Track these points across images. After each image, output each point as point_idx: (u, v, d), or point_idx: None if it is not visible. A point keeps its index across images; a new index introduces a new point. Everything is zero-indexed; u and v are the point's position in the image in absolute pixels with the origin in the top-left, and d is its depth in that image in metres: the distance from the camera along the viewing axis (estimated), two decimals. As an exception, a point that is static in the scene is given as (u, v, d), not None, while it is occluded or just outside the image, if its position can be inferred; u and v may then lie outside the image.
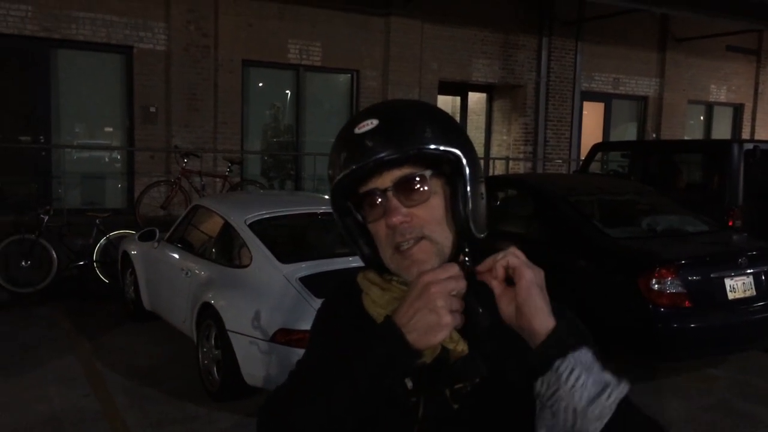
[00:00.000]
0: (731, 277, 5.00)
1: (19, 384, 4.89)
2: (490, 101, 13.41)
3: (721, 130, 15.89)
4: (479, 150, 12.77)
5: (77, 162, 9.66)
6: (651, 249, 5.14)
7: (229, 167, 9.45)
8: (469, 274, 0.97)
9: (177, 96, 9.66)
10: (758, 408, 4.84)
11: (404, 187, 1.02)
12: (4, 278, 7.31)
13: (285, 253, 4.74)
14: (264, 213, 5.20)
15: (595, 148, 9.60)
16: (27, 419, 4.33)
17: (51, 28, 8.94)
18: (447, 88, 12.42)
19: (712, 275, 4.97)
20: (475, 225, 1.04)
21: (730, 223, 7.01)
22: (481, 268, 0.96)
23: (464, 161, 1.02)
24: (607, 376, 0.88)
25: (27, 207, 8.25)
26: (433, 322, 0.90)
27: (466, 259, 1.01)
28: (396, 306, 0.96)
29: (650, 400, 4.82)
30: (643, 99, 14.45)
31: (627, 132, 14.62)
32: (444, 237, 1.04)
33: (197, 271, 5.19)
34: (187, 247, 5.63)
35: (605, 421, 0.86)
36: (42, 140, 9.22)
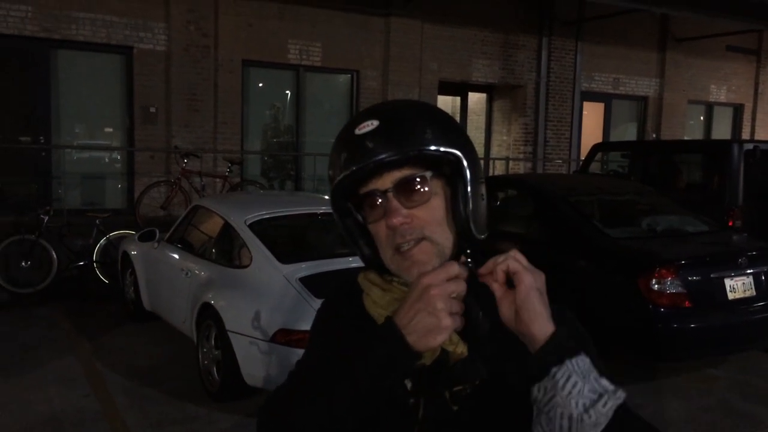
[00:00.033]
0: (731, 277, 5.00)
1: (19, 384, 4.89)
2: (490, 101, 13.41)
3: (721, 131, 15.89)
4: (479, 150, 12.76)
5: (77, 162, 9.66)
6: (651, 249, 5.14)
7: (229, 167, 9.45)
8: (471, 275, 0.97)
9: (177, 96, 9.66)
10: (758, 408, 4.84)
11: (405, 189, 1.02)
12: (4, 279, 7.31)
13: (285, 254, 4.74)
14: (264, 213, 5.20)
15: (595, 149, 9.60)
16: (27, 419, 4.33)
17: (51, 29, 8.94)
18: (447, 89, 12.42)
19: (712, 275, 4.97)
20: (475, 226, 1.04)
21: (730, 224, 7.01)
22: (482, 270, 0.96)
23: (465, 162, 1.02)
24: (605, 383, 0.88)
25: (27, 207, 8.25)
26: (433, 324, 0.90)
27: (468, 260, 1.01)
28: (397, 307, 0.95)
29: (650, 401, 4.82)
30: (643, 99, 14.45)
31: (627, 132, 14.62)
32: (445, 238, 1.04)
33: (197, 272, 5.19)
34: (187, 248, 5.63)
35: (601, 428, 0.86)
36: (42, 140, 9.22)
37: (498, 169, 12.62)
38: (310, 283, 4.35)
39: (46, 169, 9.24)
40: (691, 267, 4.94)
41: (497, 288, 0.95)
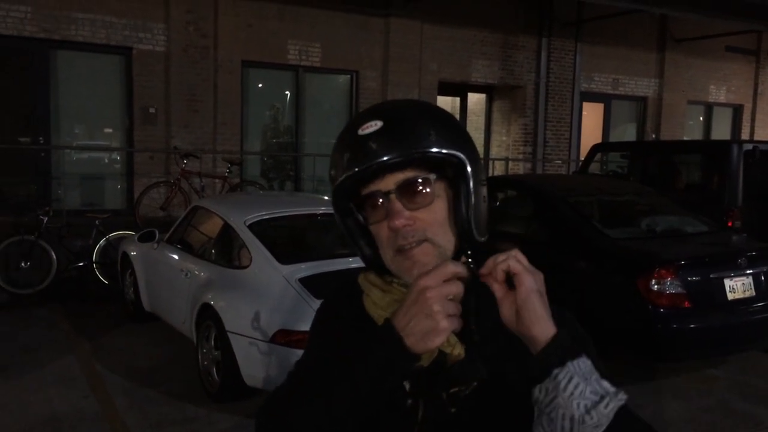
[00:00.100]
0: (731, 277, 5.00)
1: (18, 385, 4.88)
2: (489, 102, 13.41)
3: (721, 131, 15.90)
4: (479, 151, 12.75)
5: (77, 163, 9.66)
6: (650, 250, 5.14)
7: (228, 168, 9.45)
8: (471, 276, 0.97)
9: (176, 97, 9.66)
10: (758, 408, 4.84)
11: (407, 191, 1.02)
12: (4, 279, 7.31)
13: (284, 254, 4.74)
14: (263, 214, 5.19)
15: (595, 149, 9.61)
16: (27, 420, 4.33)
17: (50, 29, 8.94)
18: (446, 89, 12.42)
19: (711, 276, 4.97)
20: (477, 228, 1.04)
21: (730, 224, 7.01)
22: (483, 270, 0.96)
23: (468, 164, 1.02)
24: (606, 385, 0.88)
25: (26, 208, 8.24)
26: (430, 327, 0.90)
27: (469, 261, 1.01)
28: (396, 308, 0.95)
29: (650, 401, 4.82)
30: (643, 99, 14.46)
31: (626, 133, 14.63)
32: (446, 240, 1.03)
33: (197, 272, 5.19)
34: (186, 248, 5.63)
35: (602, 429, 0.86)
36: (41, 141, 9.22)
37: (497, 169, 12.62)
38: (309, 283, 4.35)
39: (45, 169, 9.24)
40: (691, 267, 4.94)
41: (498, 289, 0.95)
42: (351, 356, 0.96)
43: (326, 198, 6.40)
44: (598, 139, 13.21)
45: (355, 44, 11.01)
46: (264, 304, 4.33)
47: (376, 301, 1.07)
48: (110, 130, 9.91)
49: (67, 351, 5.68)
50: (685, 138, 14.61)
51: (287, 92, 11.00)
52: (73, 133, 9.71)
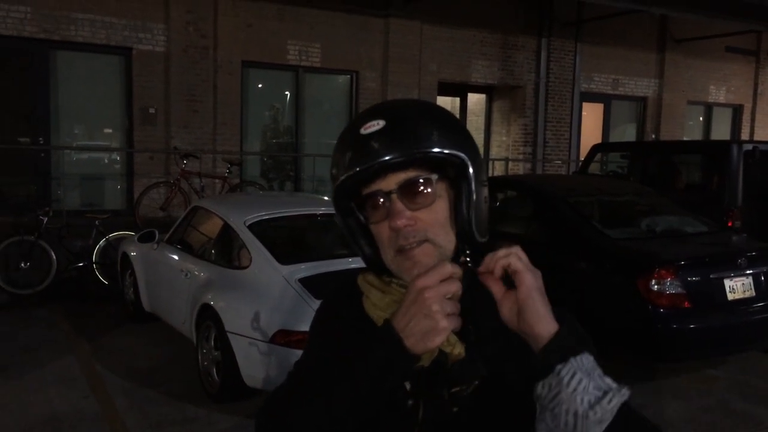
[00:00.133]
0: (731, 277, 5.00)
1: (18, 385, 4.88)
2: (489, 102, 13.41)
3: (721, 131, 15.90)
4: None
5: (76, 163, 9.66)
6: (650, 250, 5.14)
7: (228, 168, 9.45)
8: (470, 275, 0.97)
9: (176, 97, 9.66)
10: (758, 408, 4.84)
11: (409, 191, 1.02)
12: (4, 280, 7.31)
13: (284, 255, 4.74)
14: (263, 214, 5.19)
15: (595, 149, 9.61)
16: (27, 420, 4.32)
17: (50, 30, 8.94)
18: (446, 89, 12.42)
19: (711, 276, 4.97)
20: (477, 229, 1.04)
21: (730, 224, 7.01)
22: (482, 268, 0.96)
23: (469, 165, 1.02)
24: (609, 381, 0.88)
25: (26, 208, 8.24)
26: (429, 327, 0.90)
27: (467, 260, 1.01)
28: (396, 309, 0.95)
29: (650, 401, 4.82)
30: (643, 100, 14.46)
31: (626, 133, 14.63)
32: (447, 241, 1.03)
33: (197, 273, 5.19)
34: (186, 249, 5.63)
35: (605, 425, 0.86)
36: (41, 141, 9.22)
37: (497, 170, 12.62)
38: (309, 283, 4.35)
39: (45, 170, 9.25)
40: (691, 268, 4.94)
41: (497, 290, 0.95)
42: (351, 356, 0.96)
43: (326, 198, 6.39)
44: (598, 140, 13.21)
45: (355, 44, 11.01)
46: (264, 304, 4.33)
47: (376, 302, 1.07)
48: (110, 131, 9.91)
49: (67, 351, 5.68)
50: (684, 138, 14.61)
51: (287, 92, 11.00)
52: (72, 133, 9.71)
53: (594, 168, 10.09)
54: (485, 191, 1.07)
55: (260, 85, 10.85)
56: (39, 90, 9.15)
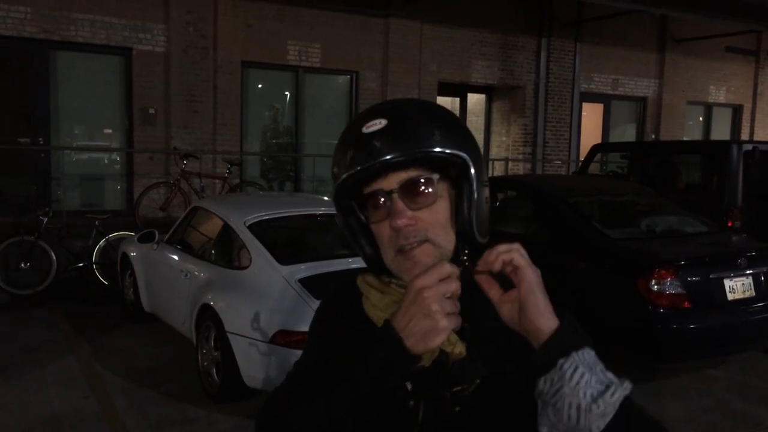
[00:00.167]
0: (730, 277, 5.00)
1: (18, 385, 4.89)
2: (489, 102, 13.42)
3: (720, 131, 15.90)
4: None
5: (76, 163, 9.66)
6: (650, 250, 5.14)
7: (228, 169, 9.45)
8: (469, 275, 0.97)
9: (176, 97, 9.66)
10: (758, 408, 4.84)
11: (410, 190, 1.02)
12: (4, 280, 7.31)
13: (284, 255, 4.74)
14: (263, 214, 5.19)
15: (595, 149, 9.61)
16: (27, 420, 4.33)
17: (50, 30, 8.94)
18: (446, 90, 12.42)
19: (711, 276, 4.97)
20: (478, 229, 1.04)
21: (729, 224, 7.01)
22: (481, 263, 0.96)
23: (471, 165, 1.02)
24: (611, 375, 0.89)
25: (26, 209, 8.25)
26: (429, 327, 0.90)
27: (465, 258, 1.01)
28: (395, 309, 0.95)
29: (650, 401, 4.82)
30: (642, 100, 14.46)
31: (626, 133, 14.63)
32: (448, 241, 1.03)
33: (196, 273, 5.19)
34: (186, 249, 5.63)
35: (609, 418, 0.86)
36: (41, 142, 9.22)
37: (497, 170, 12.62)
38: (309, 284, 4.35)
39: (45, 170, 9.25)
40: (691, 268, 4.94)
41: (494, 293, 0.95)
42: (351, 357, 0.96)
43: (326, 198, 6.39)
44: (598, 140, 13.21)
45: (355, 45, 11.01)
46: (264, 304, 4.33)
47: (375, 303, 1.07)
48: (110, 131, 9.91)
49: (67, 351, 5.68)
50: (684, 138, 14.61)
51: (287, 93, 11.00)
52: (72, 133, 9.71)
53: (594, 168, 10.09)
54: (486, 192, 1.07)
55: (260, 86, 10.85)
56: (39, 90, 9.15)
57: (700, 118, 15.75)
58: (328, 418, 0.96)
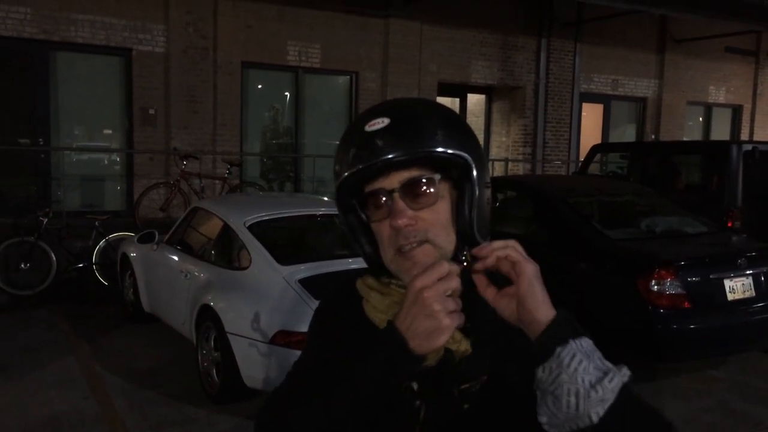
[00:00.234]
0: (730, 278, 5.00)
1: (18, 386, 4.89)
2: (489, 103, 13.42)
3: (720, 131, 15.90)
4: (478, 151, 12.74)
5: (76, 164, 9.66)
6: (650, 250, 5.14)
7: (228, 169, 9.45)
8: (468, 275, 0.97)
9: (176, 98, 9.66)
10: (758, 409, 4.85)
11: (411, 190, 1.01)
12: (4, 281, 7.31)
13: (284, 255, 4.74)
14: (263, 215, 5.20)
15: (594, 150, 9.61)
16: (26, 421, 4.32)
17: (50, 31, 8.94)
18: (446, 90, 12.42)
19: (711, 276, 4.97)
20: (479, 231, 1.03)
21: (729, 224, 7.01)
22: (478, 265, 0.96)
23: (473, 166, 1.02)
24: (608, 363, 0.89)
25: (26, 209, 8.25)
26: (433, 326, 0.89)
27: (463, 258, 1.01)
28: (397, 310, 0.95)
29: (650, 401, 4.81)
30: (642, 100, 14.46)
31: (626, 133, 14.63)
32: (448, 242, 1.03)
33: (196, 273, 5.19)
34: (186, 250, 5.63)
35: (607, 405, 0.86)
36: (41, 142, 9.22)
37: (497, 170, 12.62)
38: (309, 284, 4.35)
39: (45, 170, 9.25)
40: (691, 268, 4.94)
41: (490, 293, 0.95)
42: (351, 358, 0.95)
43: (326, 199, 6.40)
44: (598, 140, 13.22)
45: (355, 45, 11.01)
46: (264, 305, 4.33)
47: (376, 305, 1.06)
48: (110, 132, 9.91)
49: (66, 352, 5.68)
50: (684, 138, 14.61)
51: (287, 93, 11.00)
52: (72, 134, 9.71)
53: (594, 168, 10.10)
54: (488, 193, 1.06)
55: (260, 86, 10.85)
56: (39, 91, 9.15)
57: (700, 119, 15.76)
58: (328, 418, 0.96)
